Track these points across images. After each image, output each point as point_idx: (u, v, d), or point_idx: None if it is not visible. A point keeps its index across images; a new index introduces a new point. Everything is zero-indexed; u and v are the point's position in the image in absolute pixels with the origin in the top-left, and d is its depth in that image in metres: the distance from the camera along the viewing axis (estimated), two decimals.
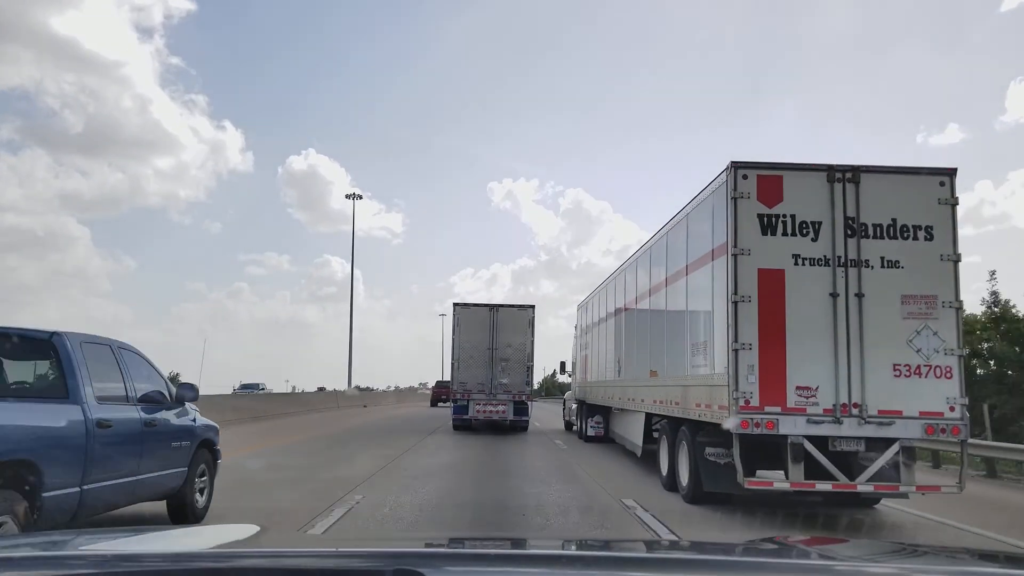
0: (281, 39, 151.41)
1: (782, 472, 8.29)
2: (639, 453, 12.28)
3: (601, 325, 16.42)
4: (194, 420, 7.15)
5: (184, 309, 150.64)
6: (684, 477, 8.98)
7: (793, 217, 7.67)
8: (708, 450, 8.38)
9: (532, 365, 20.41)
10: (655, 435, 11.74)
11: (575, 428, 21.17)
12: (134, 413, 6.03)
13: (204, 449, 7.20)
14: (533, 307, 20.93)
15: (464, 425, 20.30)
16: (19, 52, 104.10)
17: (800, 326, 7.53)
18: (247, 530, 2.26)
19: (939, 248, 7.68)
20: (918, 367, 7.51)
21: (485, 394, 20.04)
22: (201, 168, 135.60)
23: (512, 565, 1.70)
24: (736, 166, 7.68)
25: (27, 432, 4.82)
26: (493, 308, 20.72)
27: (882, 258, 7.66)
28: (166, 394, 6.73)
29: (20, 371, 5.87)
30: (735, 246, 7.59)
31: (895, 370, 7.50)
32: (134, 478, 5.92)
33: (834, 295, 7.60)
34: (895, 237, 7.70)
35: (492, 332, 20.30)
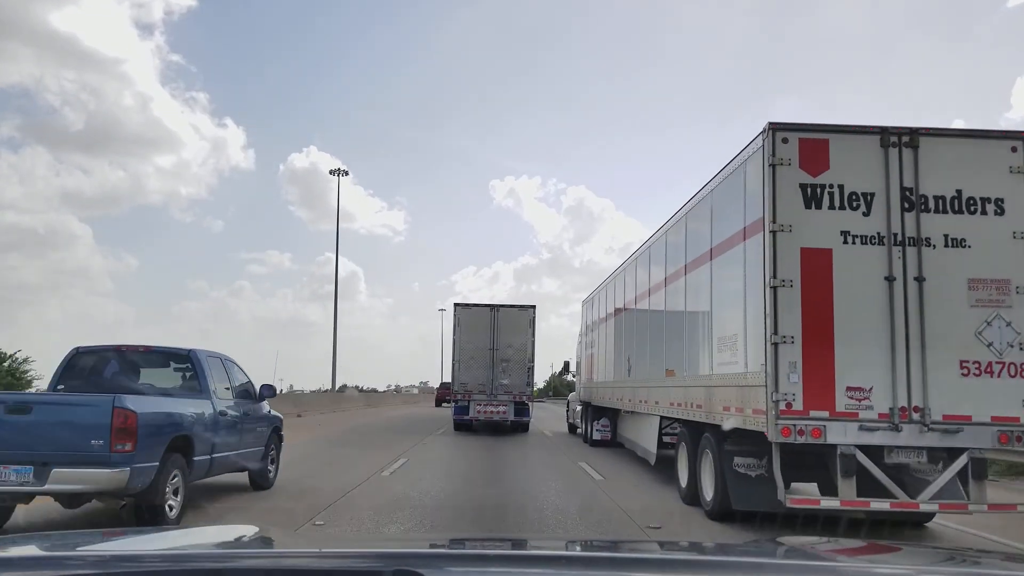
0: (282, 36, 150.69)
1: (815, 485, 7.25)
2: (652, 460, 11.12)
3: (608, 321, 15.27)
4: (268, 411, 9.23)
5: (186, 308, 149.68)
6: (708, 491, 7.83)
7: (841, 188, 6.52)
8: (737, 460, 7.26)
9: (533, 366, 20.28)
10: (667, 440, 10.63)
11: (579, 431, 20.19)
12: (236, 407, 8.13)
13: (274, 434, 9.24)
14: (534, 307, 20.73)
15: (465, 425, 20.22)
16: (18, 49, 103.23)
17: (851, 315, 6.39)
18: (247, 530, 2.24)
19: (1011, 224, 6.55)
20: (989, 364, 6.38)
21: (486, 395, 19.88)
22: (202, 166, 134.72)
23: (512, 565, 1.67)
24: (775, 128, 6.54)
25: (185, 417, 6.84)
26: (494, 308, 20.58)
27: (945, 236, 6.53)
28: (252, 392, 8.84)
29: (170, 377, 7.83)
30: (774, 222, 6.46)
31: (962, 367, 6.36)
32: (237, 452, 8.00)
33: (890, 279, 6.46)
34: (960, 211, 6.56)
35: (493, 332, 20.15)
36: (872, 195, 6.53)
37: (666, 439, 10.76)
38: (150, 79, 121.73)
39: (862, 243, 6.48)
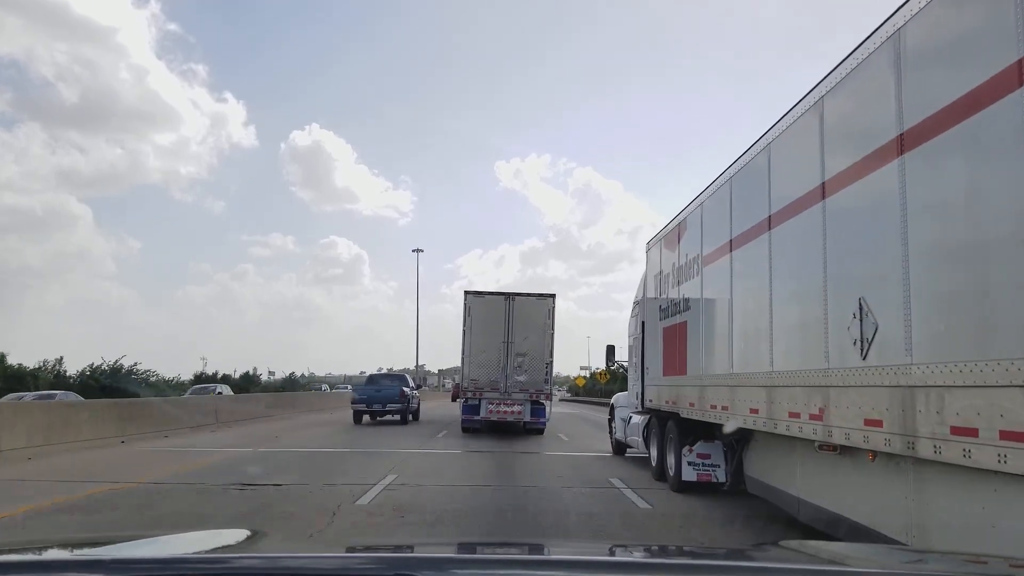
0: (284, 7, 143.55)
1: None
2: None
3: (758, 240, 7.30)
4: (416, 394, 26.40)
5: (189, 292, 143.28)
6: None
7: None
8: None
9: (552, 361, 18.85)
10: None
11: (630, 451, 13.75)
12: (412, 390, 25.07)
13: (418, 401, 26.49)
14: (553, 296, 19.10)
15: (474, 427, 18.72)
16: (6, 18, 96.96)
17: None
18: (242, 535, 2.25)
19: None
20: None
21: (499, 392, 18.51)
22: (202, 143, 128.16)
23: (513, 569, 1.65)
24: None
25: (407, 391, 23.82)
26: (509, 297, 19.01)
27: None
28: (412, 385, 26.13)
29: (399, 379, 26.00)
30: None
31: None
32: (412, 404, 24.31)
33: None
34: None
35: (507, 324, 18.67)
36: None
37: None
38: (146, 50, 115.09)
39: None
